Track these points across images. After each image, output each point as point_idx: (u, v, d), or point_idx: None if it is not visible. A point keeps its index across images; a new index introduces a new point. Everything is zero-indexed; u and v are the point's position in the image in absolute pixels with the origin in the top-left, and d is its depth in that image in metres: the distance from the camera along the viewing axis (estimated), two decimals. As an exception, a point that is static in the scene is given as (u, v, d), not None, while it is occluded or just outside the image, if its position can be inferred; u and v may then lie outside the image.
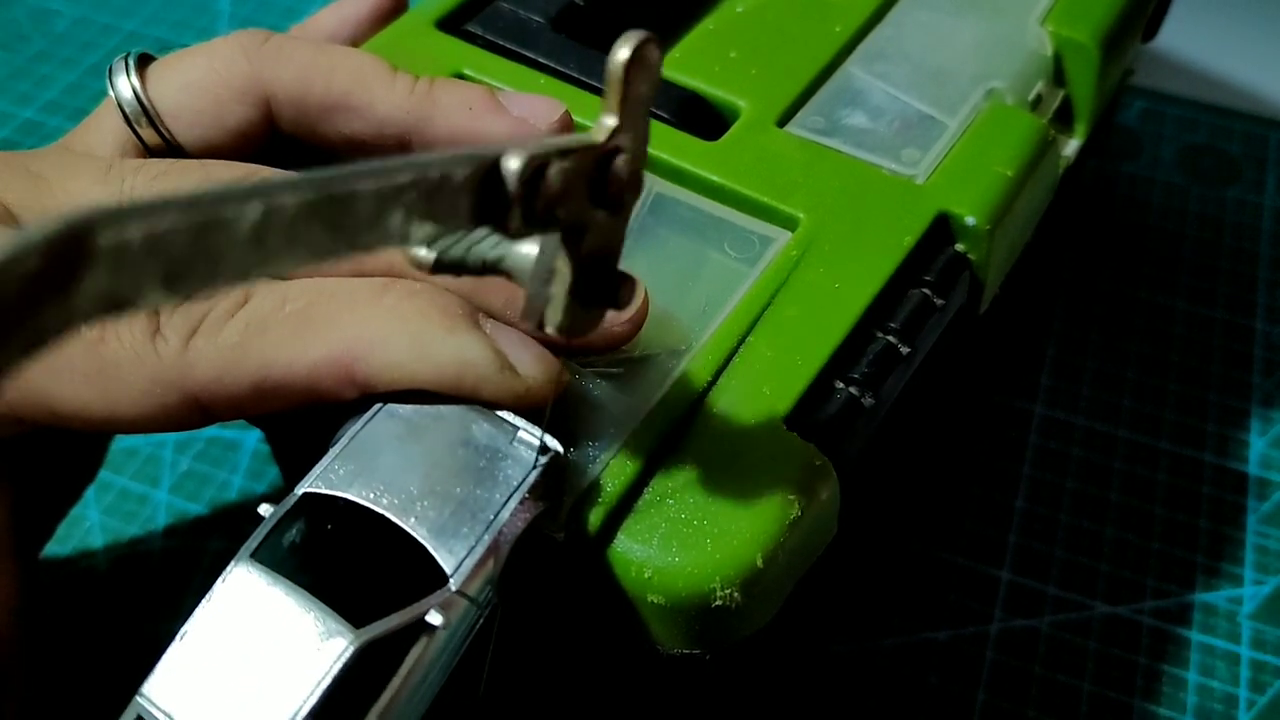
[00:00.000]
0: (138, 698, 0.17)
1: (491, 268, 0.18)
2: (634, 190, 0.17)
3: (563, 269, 0.17)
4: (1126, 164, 0.45)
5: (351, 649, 0.17)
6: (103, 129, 0.24)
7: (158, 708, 0.17)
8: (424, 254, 0.17)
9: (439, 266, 0.18)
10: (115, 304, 0.11)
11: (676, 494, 0.21)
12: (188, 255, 0.12)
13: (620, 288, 0.18)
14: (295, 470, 0.32)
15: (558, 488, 0.20)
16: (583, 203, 0.17)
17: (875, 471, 0.26)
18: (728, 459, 0.21)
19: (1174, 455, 0.36)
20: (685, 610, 0.20)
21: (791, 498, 0.20)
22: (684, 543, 0.20)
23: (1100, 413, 0.37)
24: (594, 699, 0.26)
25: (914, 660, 0.32)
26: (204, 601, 0.18)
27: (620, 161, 0.17)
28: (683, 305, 0.23)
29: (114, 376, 0.20)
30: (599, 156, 0.17)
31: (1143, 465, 0.36)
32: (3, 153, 0.23)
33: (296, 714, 0.17)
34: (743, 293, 0.24)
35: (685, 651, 0.21)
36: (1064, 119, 0.31)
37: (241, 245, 0.12)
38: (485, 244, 0.18)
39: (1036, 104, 0.29)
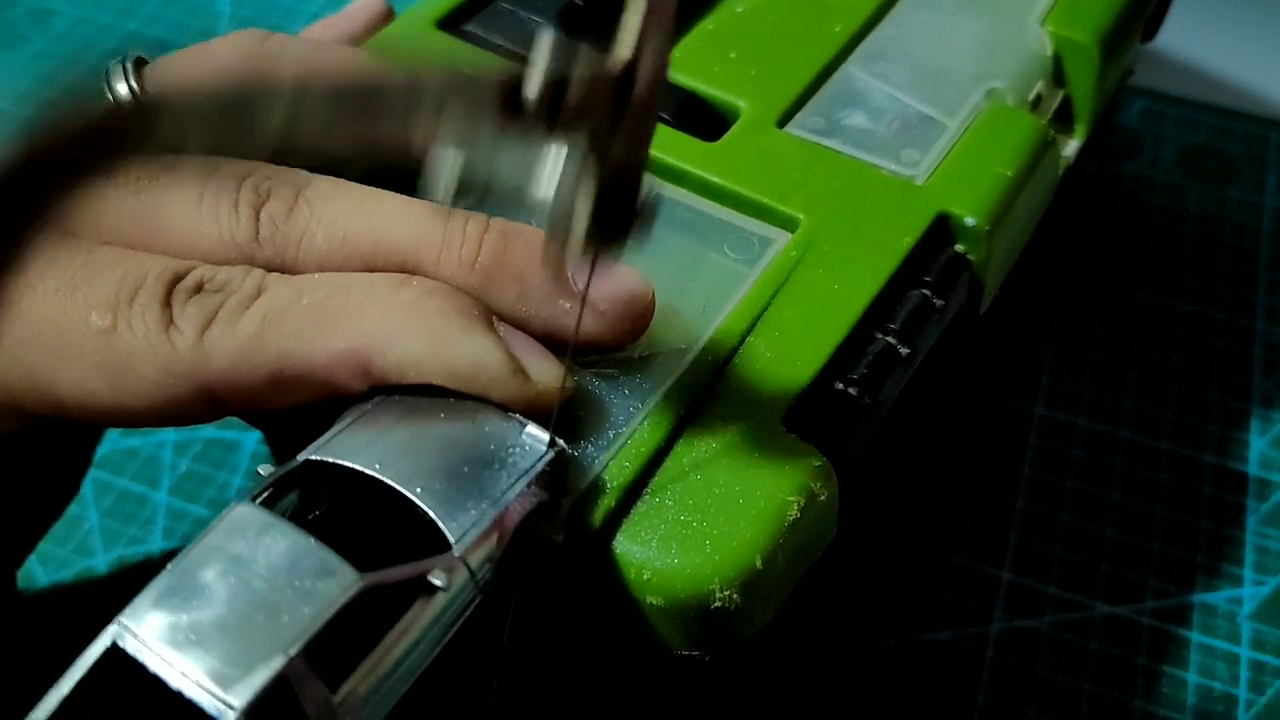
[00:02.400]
0: (115, 624, 0.16)
1: (515, 193, 0.18)
2: (652, 108, 0.17)
3: (586, 188, 0.17)
4: (1126, 164, 0.45)
5: (354, 589, 0.16)
6: None
7: (136, 636, 0.16)
8: (447, 175, 0.17)
9: (462, 191, 0.18)
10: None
11: (676, 495, 0.21)
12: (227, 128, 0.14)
13: (638, 218, 0.18)
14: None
15: (559, 484, 0.20)
16: (604, 119, 0.17)
17: (875, 472, 0.26)
18: (727, 460, 0.21)
19: (1174, 455, 0.36)
20: (685, 612, 0.20)
21: (791, 499, 0.20)
22: (683, 544, 0.20)
23: (1100, 413, 0.37)
24: (594, 700, 0.26)
25: (914, 661, 0.32)
26: (200, 536, 0.17)
27: (641, 75, 0.17)
28: (683, 306, 0.23)
29: (125, 366, 0.19)
30: (621, 73, 0.17)
31: (1143, 465, 0.36)
32: None
33: (292, 645, 0.16)
34: (742, 293, 0.24)
35: (685, 653, 0.21)
36: (1064, 119, 0.31)
37: (274, 126, 0.14)
38: (508, 168, 0.18)
39: (1036, 104, 0.29)
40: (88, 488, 0.36)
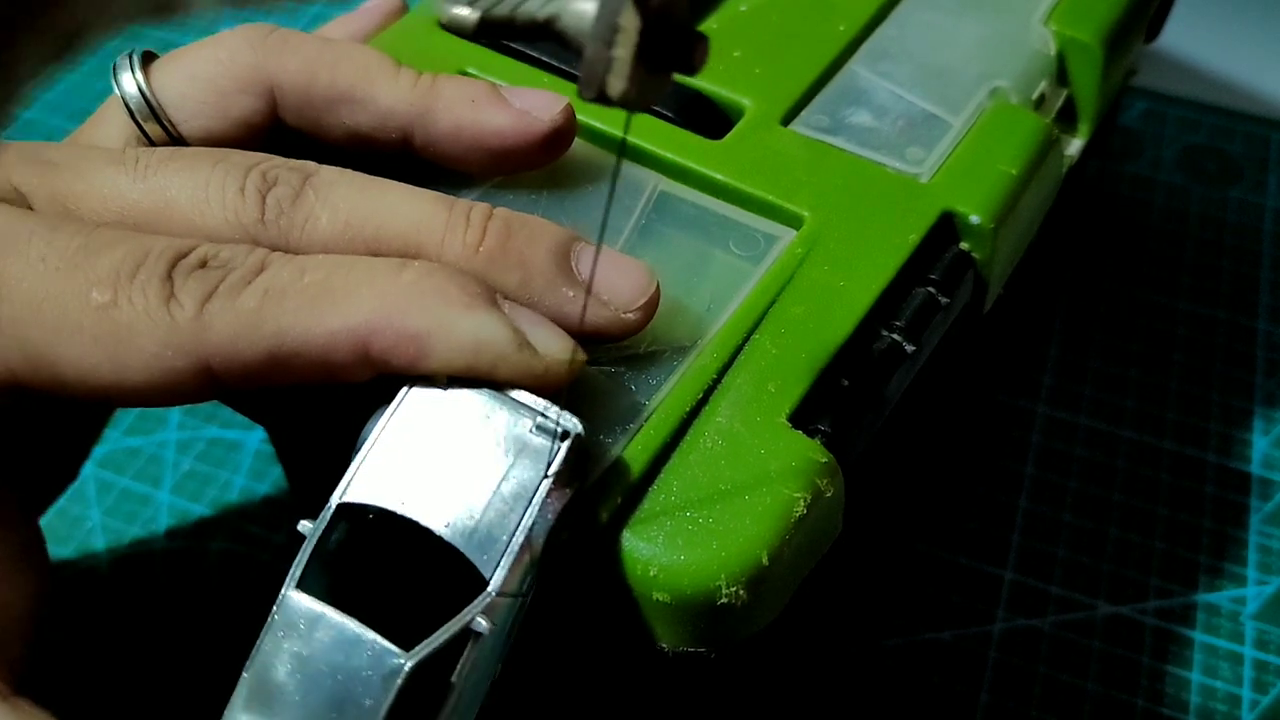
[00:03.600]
0: None
1: (543, 28, 0.16)
2: None
3: (629, 25, 0.15)
4: (1128, 164, 0.45)
5: (405, 673, 0.17)
6: (109, 125, 0.24)
7: None
8: (466, 13, 0.17)
9: (483, 26, 0.17)
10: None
11: (682, 492, 0.21)
12: None
13: (694, 48, 0.16)
14: (298, 470, 0.32)
15: (582, 469, 0.20)
16: None
17: (879, 470, 0.26)
18: (733, 457, 0.21)
19: (1177, 455, 0.36)
20: (691, 608, 0.20)
21: (797, 495, 0.20)
22: (689, 540, 0.20)
23: (1103, 412, 0.37)
24: (598, 698, 0.26)
25: (917, 660, 0.32)
26: (263, 633, 0.18)
27: None
28: (688, 303, 0.23)
29: (125, 339, 0.19)
30: None
31: (1146, 465, 0.36)
32: (16, 142, 0.23)
33: None
34: (748, 291, 0.24)
35: (690, 650, 0.21)
36: (1067, 118, 0.31)
37: None
38: (535, 1, 0.17)
39: (1040, 103, 0.29)
40: (90, 487, 0.36)
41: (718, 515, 0.20)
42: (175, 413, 0.38)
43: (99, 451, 0.37)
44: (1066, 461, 0.36)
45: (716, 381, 0.22)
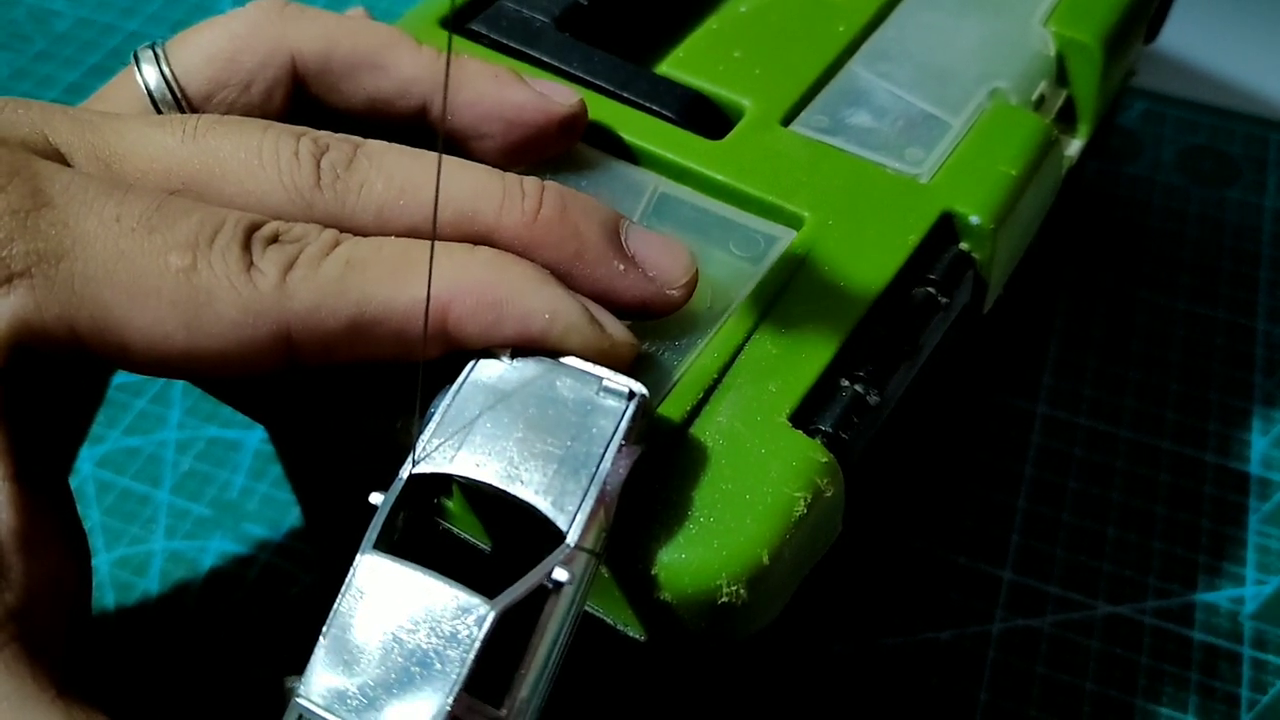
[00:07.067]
0: (296, 699, 0.17)
1: None
2: None
3: None
4: (1127, 165, 0.45)
5: (490, 622, 0.17)
6: (117, 105, 0.24)
7: (317, 705, 0.17)
8: None
9: None
10: None
11: (682, 491, 0.21)
12: None
13: None
14: (298, 470, 0.32)
15: (648, 429, 0.20)
16: None
17: (879, 470, 0.26)
18: (733, 456, 0.21)
19: (1175, 455, 0.36)
20: (692, 606, 0.20)
21: (797, 495, 0.20)
22: (690, 539, 0.20)
23: (1102, 412, 0.37)
24: (597, 696, 0.26)
25: (916, 660, 0.32)
26: (340, 596, 0.18)
27: None
28: (689, 303, 0.23)
29: (204, 305, 0.19)
30: None
31: (1144, 465, 0.36)
32: (49, 102, 0.22)
33: (450, 692, 0.17)
34: (748, 291, 0.24)
35: (690, 648, 0.21)
36: (1066, 119, 0.31)
37: None
38: None
39: (1039, 104, 0.29)
40: (90, 487, 0.36)
41: (718, 514, 0.20)
42: (175, 412, 0.38)
43: (98, 451, 0.37)
44: (1065, 461, 0.36)
45: (717, 381, 0.22)
